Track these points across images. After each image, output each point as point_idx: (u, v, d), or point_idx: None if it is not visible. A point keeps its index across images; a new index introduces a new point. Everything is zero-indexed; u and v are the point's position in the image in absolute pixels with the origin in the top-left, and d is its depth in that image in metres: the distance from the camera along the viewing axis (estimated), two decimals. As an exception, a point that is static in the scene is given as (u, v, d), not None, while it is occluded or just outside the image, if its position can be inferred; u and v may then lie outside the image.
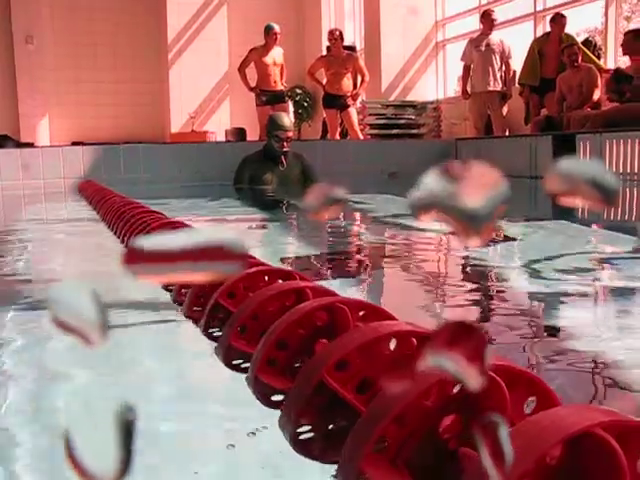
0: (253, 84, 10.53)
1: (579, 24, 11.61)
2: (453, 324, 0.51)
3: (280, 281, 1.10)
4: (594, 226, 4.12)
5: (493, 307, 2.14)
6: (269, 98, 10.34)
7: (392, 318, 0.85)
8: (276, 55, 10.57)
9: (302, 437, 0.73)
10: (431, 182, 0.49)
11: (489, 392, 0.60)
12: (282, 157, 7.47)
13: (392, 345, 0.72)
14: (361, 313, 0.86)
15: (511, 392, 0.61)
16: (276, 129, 7.45)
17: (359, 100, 11.36)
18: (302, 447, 0.73)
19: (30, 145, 10.33)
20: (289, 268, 1.22)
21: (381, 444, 0.60)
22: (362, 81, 10.65)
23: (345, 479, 0.60)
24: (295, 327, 0.85)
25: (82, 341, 0.54)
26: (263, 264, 1.28)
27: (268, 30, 10.47)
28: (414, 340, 0.72)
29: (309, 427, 0.73)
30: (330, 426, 0.73)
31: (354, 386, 0.72)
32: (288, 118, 7.90)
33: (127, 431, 0.47)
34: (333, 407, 0.72)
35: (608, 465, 0.50)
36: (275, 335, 0.84)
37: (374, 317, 0.86)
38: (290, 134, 7.59)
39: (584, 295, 2.24)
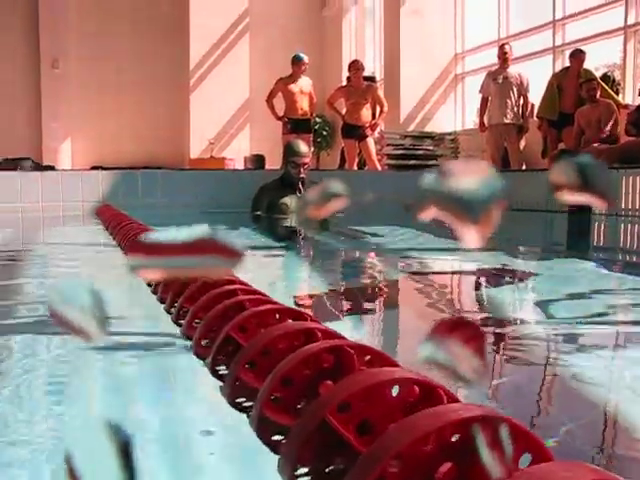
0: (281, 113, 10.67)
1: (598, 59, 11.63)
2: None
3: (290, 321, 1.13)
4: (607, 267, 4.07)
5: (506, 356, 2.10)
6: (294, 125, 10.41)
7: (395, 365, 0.88)
8: (303, 84, 10.72)
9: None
10: (432, 182, 0.51)
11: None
12: (299, 184, 7.50)
13: (394, 391, 0.74)
14: (367, 358, 0.89)
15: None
16: (292, 155, 7.50)
17: (377, 130, 11.43)
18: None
19: (51, 168, 10.45)
20: (300, 308, 1.24)
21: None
22: (381, 112, 10.73)
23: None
24: (302, 367, 0.88)
25: (81, 337, 0.56)
26: (275, 302, 1.31)
27: (297, 60, 10.63)
28: (415, 387, 0.74)
29: (307, 470, 0.75)
30: (328, 469, 0.75)
31: (355, 427, 0.74)
32: (305, 145, 7.95)
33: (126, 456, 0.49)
34: (333, 448, 0.74)
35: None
36: (281, 373, 0.87)
37: (378, 362, 0.88)
38: (307, 160, 7.63)
39: (595, 340, 2.23)
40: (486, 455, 0.61)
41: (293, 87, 10.64)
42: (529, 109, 10.41)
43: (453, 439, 0.63)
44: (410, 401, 0.73)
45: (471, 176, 0.50)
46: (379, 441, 0.65)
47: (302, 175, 7.50)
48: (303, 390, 0.88)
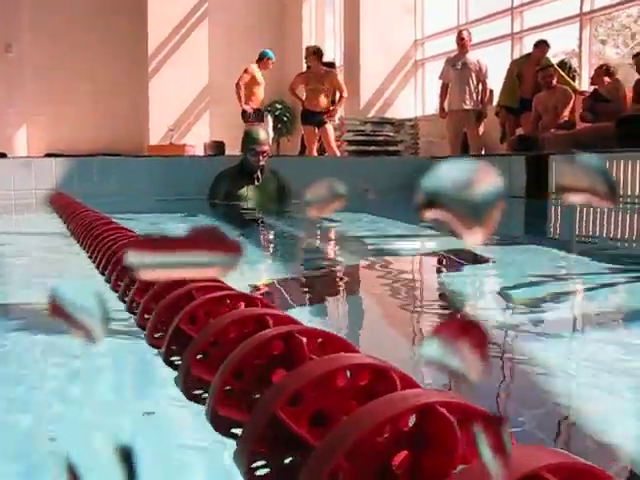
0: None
1: (557, 46, 11.75)
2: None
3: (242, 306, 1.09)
4: (565, 251, 4.12)
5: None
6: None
7: (349, 347, 0.85)
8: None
9: (257, 473, 0.72)
10: (433, 181, 0.50)
11: (440, 430, 0.60)
12: (258, 172, 7.42)
13: (346, 377, 0.71)
14: (319, 341, 0.85)
15: (465, 430, 0.60)
16: (252, 143, 7.40)
17: (337, 116, 11.41)
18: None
19: (3, 156, 10.22)
20: (253, 293, 1.21)
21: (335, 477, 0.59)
22: (340, 97, 10.71)
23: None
24: (252, 357, 0.84)
25: (81, 334, 0.56)
26: (228, 288, 1.27)
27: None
28: (367, 373, 0.71)
29: (264, 462, 0.72)
30: (286, 460, 0.72)
31: (307, 420, 0.71)
32: (264, 132, 7.87)
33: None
34: (287, 442, 0.71)
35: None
36: (231, 366, 0.83)
37: (331, 346, 0.85)
38: (266, 148, 7.53)
39: (554, 323, 2.24)
40: (442, 441, 0.59)
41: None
42: (488, 95, 10.48)
43: (407, 427, 0.61)
44: (362, 386, 0.70)
45: (468, 173, 0.50)
46: (330, 436, 0.62)
47: (261, 163, 7.42)
48: (256, 380, 0.85)
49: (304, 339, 0.82)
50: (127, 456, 0.51)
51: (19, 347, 1.81)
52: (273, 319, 0.94)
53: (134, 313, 1.43)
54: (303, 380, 0.69)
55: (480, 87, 10.37)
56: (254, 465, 0.71)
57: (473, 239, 0.51)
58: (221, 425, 0.83)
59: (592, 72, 9.19)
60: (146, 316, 1.28)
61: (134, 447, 0.51)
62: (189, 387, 0.95)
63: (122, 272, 1.84)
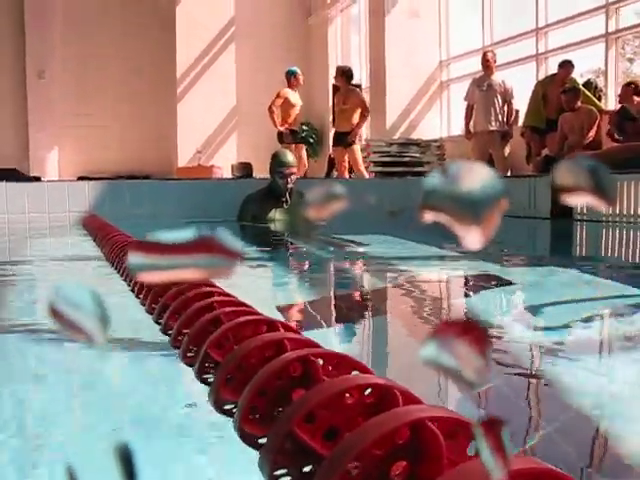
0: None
1: (583, 65, 11.79)
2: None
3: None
4: (589, 273, 4.12)
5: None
6: (294, 137, 10.68)
7: (361, 367, 0.94)
8: (298, 97, 11.21)
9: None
10: (435, 183, 0.52)
11: (428, 441, 0.68)
12: (287, 195, 7.52)
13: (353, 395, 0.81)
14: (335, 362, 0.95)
15: (451, 440, 0.69)
16: (279, 166, 7.51)
17: (363, 137, 11.52)
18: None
19: (37, 179, 10.47)
20: (274, 317, 1.30)
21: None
22: (362, 115, 10.76)
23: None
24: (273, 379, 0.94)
25: (82, 339, 0.57)
26: (253, 312, 1.37)
27: (291, 74, 11.12)
28: (371, 390, 0.81)
29: (285, 470, 0.82)
30: (305, 469, 0.81)
31: (321, 434, 0.80)
32: (291, 155, 7.98)
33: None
34: (304, 454, 0.80)
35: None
36: (255, 387, 0.93)
37: (345, 366, 0.94)
38: (294, 170, 7.64)
39: (580, 344, 2.28)
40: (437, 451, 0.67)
41: (293, 99, 10.99)
42: (514, 116, 10.51)
43: (404, 439, 0.69)
44: (368, 404, 0.79)
45: (471, 177, 0.52)
46: (337, 448, 0.71)
47: (289, 185, 7.52)
48: (277, 399, 0.94)
49: (320, 361, 0.91)
50: (127, 458, 0.51)
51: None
52: (291, 343, 1.04)
53: (169, 335, 1.53)
54: (315, 400, 0.78)
55: (506, 108, 10.42)
56: (276, 473, 0.80)
57: (472, 244, 0.52)
58: (247, 437, 0.92)
59: (619, 90, 9.20)
60: (179, 338, 1.38)
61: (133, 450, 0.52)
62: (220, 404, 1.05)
63: (155, 295, 1.95)
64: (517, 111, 10.61)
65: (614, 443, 1.39)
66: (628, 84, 9.02)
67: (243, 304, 1.49)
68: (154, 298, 1.93)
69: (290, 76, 11.04)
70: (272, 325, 1.21)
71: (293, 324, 2.32)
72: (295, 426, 0.78)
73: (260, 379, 0.92)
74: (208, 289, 1.63)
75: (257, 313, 1.36)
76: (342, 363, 0.95)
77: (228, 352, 1.11)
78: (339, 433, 0.79)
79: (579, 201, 0.58)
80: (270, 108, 10.82)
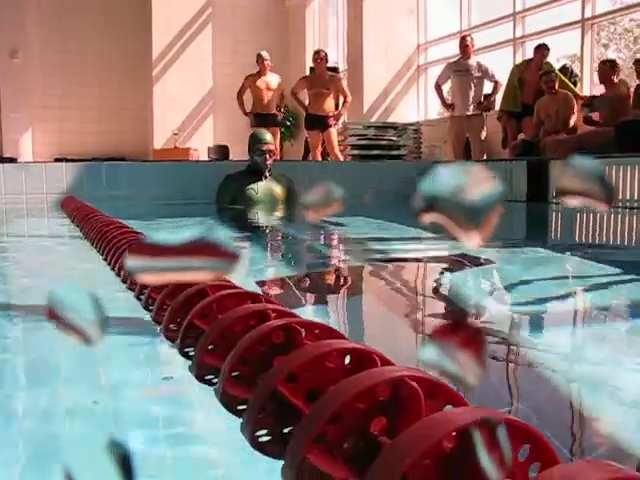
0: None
1: (560, 50, 11.90)
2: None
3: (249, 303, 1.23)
4: (565, 255, 4.21)
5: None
6: (261, 121, 10.59)
7: (342, 337, 0.99)
8: (269, 80, 10.97)
9: (261, 440, 0.86)
10: (432, 183, 0.52)
11: (409, 399, 0.73)
12: (266, 172, 7.56)
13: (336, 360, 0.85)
14: (316, 331, 0.99)
15: (430, 400, 0.74)
16: (257, 143, 7.56)
17: (341, 121, 11.54)
18: (261, 447, 0.86)
19: (13, 160, 10.38)
20: (258, 292, 1.34)
21: (322, 438, 0.73)
22: (344, 102, 10.83)
23: (291, 463, 0.73)
24: (256, 345, 0.98)
25: (79, 339, 0.58)
26: (235, 287, 1.41)
27: (257, 57, 11.01)
28: (352, 355, 0.85)
29: (266, 431, 0.86)
30: (285, 429, 0.86)
31: (303, 395, 0.84)
32: (269, 133, 8.04)
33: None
34: (285, 414, 0.85)
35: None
36: (238, 353, 0.97)
37: (326, 336, 0.99)
38: (271, 147, 7.70)
39: (556, 320, 2.34)
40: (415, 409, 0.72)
41: (259, 84, 10.92)
42: (499, 90, 10.54)
43: (385, 396, 0.74)
44: (349, 368, 0.84)
45: (468, 177, 0.52)
46: (321, 398, 0.76)
47: (268, 162, 7.55)
48: (259, 365, 0.98)
49: (302, 330, 0.96)
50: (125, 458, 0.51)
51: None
52: (275, 314, 1.08)
53: (150, 310, 1.57)
54: (299, 361, 0.83)
55: (482, 91, 10.50)
56: (258, 433, 0.85)
57: (471, 241, 0.53)
58: (230, 403, 0.97)
59: (594, 76, 9.30)
60: (162, 313, 1.42)
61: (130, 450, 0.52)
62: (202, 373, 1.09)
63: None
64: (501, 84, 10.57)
65: (587, 418, 1.44)
66: (604, 62, 9.10)
67: (225, 280, 1.53)
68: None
69: (257, 60, 11.11)
70: (255, 298, 1.25)
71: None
72: (278, 384, 0.82)
73: (244, 344, 0.97)
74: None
75: (240, 288, 1.41)
76: (323, 333, 1.00)
77: (212, 321, 1.16)
78: (320, 395, 0.84)
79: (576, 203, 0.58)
80: (237, 97, 10.95)
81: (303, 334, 0.97)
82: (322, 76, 10.76)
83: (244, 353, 0.97)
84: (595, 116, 8.78)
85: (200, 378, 1.10)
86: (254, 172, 7.58)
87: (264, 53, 11.10)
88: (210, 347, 1.10)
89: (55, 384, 1.54)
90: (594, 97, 9.14)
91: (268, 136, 7.77)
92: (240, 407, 0.96)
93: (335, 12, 15.77)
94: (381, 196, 8.22)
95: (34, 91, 15.35)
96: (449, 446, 0.64)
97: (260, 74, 11.05)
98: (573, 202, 0.57)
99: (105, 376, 1.54)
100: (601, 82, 9.03)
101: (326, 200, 0.74)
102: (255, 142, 7.60)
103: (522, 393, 1.61)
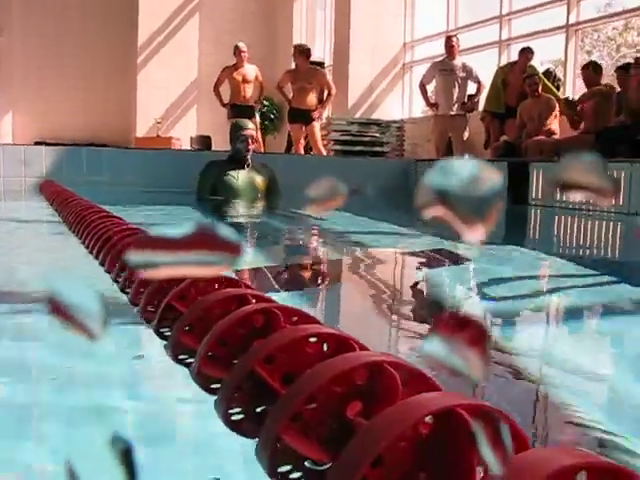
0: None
1: (544, 54, 11.99)
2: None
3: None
4: (543, 254, 4.25)
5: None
6: (237, 112, 10.59)
7: (315, 322, 0.99)
8: (247, 72, 10.95)
9: (233, 417, 0.86)
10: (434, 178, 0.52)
11: (386, 385, 0.74)
12: (248, 159, 7.52)
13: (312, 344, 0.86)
14: (294, 318, 0.99)
15: (405, 387, 0.74)
16: (239, 130, 7.54)
17: (325, 115, 11.54)
18: (233, 425, 0.86)
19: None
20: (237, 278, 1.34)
21: (298, 417, 0.74)
22: (328, 95, 10.82)
23: (266, 442, 0.73)
24: (235, 327, 0.98)
25: (80, 332, 0.57)
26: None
27: (234, 48, 11.00)
28: (332, 341, 0.86)
29: (239, 409, 0.87)
30: (258, 409, 0.86)
31: (280, 377, 0.85)
32: (251, 123, 8.03)
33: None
34: (261, 394, 0.85)
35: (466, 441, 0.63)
36: (217, 334, 0.97)
37: (303, 321, 0.99)
38: (253, 133, 7.68)
39: (530, 318, 2.37)
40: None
41: (236, 76, 10.99)
42: (482, 92, 10.59)
43: (363, 380, 0.75)
44: (326, 352, 0.85)
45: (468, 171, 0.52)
46: (295, 384, 0.76)
47: (250, 147, 7.52)
48: (238, 347, 0.99)
49: (281, 314, 0.96)
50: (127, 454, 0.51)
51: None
52: (255, 298, 1.09)
53: (127, 293, 1.57)
54: (277, 343, 0.83)
55: (467, 91, 10.56)
56: (231, 411, 0.85)
57: (472, 236, 0.53)
58: (205, 381, 0.97)
59: (577, 81, 9.37)
60: (139, 295, 1.42)
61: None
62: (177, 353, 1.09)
63: (116, 258, 1.97)
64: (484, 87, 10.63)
65: (557, 409, 1.45)
66: (587, 65, 9.15)
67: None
68: (113, 258, 1.97)
69: (234, 52, 11.11)
70: (234, 283, 1.25)
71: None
72: (256, 365, 0.82)
73: (223, 325, 0.97)
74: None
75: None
76: (301, 319, 1.00)
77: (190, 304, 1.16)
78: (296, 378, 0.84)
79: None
80: (213, 89, 11.04)
81: (281, 319, 0.97)
82: (305, 70, 10.76)
83: (223, 333, 0.97)
84: (584, 107, 8.78)
85: (175, 358, 1.11)
86: (236, 160, 7.55)
87: (241, 44, 11.13)
88: (187, 328, 1.10)
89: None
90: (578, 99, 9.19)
91: (250, 124, 7.77)
92: (214, 385, 0.96)
93: (323, 6, 15.74)
94: (364, 192, 8.23)
95: (15, 72, 15.18)
96: (424, 430, 0.65)
97: (237, 66, 11.10)
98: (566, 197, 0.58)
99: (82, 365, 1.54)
100: (587, 86, 9.08)
101: (329, 194, 0.74)
102: (237, 129, 7.59)
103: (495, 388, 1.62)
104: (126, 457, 0.51)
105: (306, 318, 1.00)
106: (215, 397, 0.89)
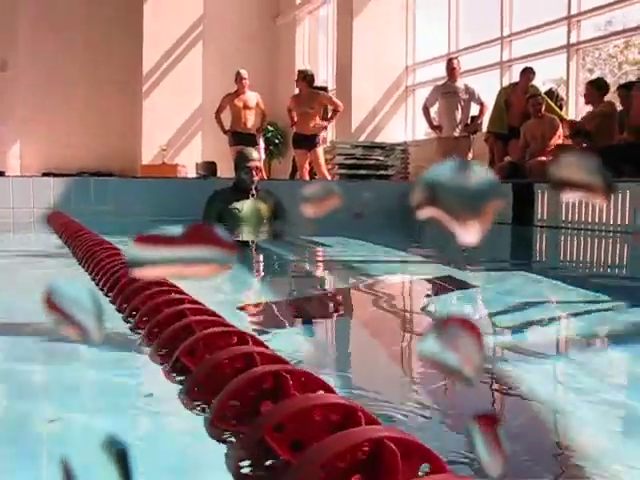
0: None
1: (546, 74, 12.05)
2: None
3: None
4: (549, 278, 4.23)
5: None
6: (238, 140, 10.67)
7: (327, 387, 1.01)
8: (248, 99, 11.06)
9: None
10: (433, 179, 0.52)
11: (386, 460, 0.76)
12: (253, 189, 7.56)
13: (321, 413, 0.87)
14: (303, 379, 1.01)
15: (405, 460, 0.76)
16: (244, 161, 7.59)
17: (329, 138, 11.58)
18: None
19: (1, 174, 10.35)
20: (243, 329, 1.35)
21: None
22: (334, 111, 10.87)
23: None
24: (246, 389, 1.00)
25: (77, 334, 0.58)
26: (223, 322, 1.43)
27: (236, 75, 11.18)
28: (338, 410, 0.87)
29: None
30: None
31: (288, 445, 0.87)
32: (256, 152, 8.08)
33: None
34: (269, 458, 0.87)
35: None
36: (227, 395, 0.99)
37: (313, 385, 1.01)
38: (258, 164, 7.73)
39: (541, 347, 2.37)
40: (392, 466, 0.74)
41: (237, 103, 11.13)
42: (485, 113, 10.62)
43: (362, 455, 0.76)
44: (334, 422, 0.86)
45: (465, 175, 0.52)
46: (302, 457, 0.78)
47: (255, 178, 7.56)
48: (247, 407, 1.00)
49: (289, 377, 0.98)
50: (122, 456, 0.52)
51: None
52: (260, 357, 1.10)
53: (139, 334, 1.59)
54: (287, 411, 0.85)
55: (471, 113, 10.60)
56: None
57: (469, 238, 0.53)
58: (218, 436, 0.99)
59: (580, 100, 9.40)
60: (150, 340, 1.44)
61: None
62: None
63: (127, 298, 2.00)
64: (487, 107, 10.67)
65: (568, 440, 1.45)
66: (591, 82, 9.18)
67: (213, 313, 1.54)
68: (124, 299, 1.99)
69: (235, 78, 11.21)
70: (242, 337, 1.27)
71: (255, 325, 2.38)
72: (265, 433, 0.84)
73: (235, 385, 0.99)
74: (178, 296, 1.69)
75: (228, 324, 1.42)
76: (309, 381, 1.01)
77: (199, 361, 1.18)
78: (304, 446, 0.86)
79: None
80: (215, 116, 11.16)
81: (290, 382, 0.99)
82: (306, 95, 10.83)
83: (233, 396, 0.99)
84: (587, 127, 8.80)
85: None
86: (240, 189, 7.59)
87: (242, 71, 11.22)
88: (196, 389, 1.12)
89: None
90: (578, 122, 9.23)
91: (255, 154, 7.81)
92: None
93: (325, 31, 15.86)
94: (368, 216, 8.26)
95: (21, 104, 15.30)
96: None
97: (238, 93, 11.20)
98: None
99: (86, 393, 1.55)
100: (587, 103, 9.12)
101: (324, 195, 0.74)
102: (242, 160, 7.63)
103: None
104: (121, 460, 0.51)
105: (314, 381, 1.02)
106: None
